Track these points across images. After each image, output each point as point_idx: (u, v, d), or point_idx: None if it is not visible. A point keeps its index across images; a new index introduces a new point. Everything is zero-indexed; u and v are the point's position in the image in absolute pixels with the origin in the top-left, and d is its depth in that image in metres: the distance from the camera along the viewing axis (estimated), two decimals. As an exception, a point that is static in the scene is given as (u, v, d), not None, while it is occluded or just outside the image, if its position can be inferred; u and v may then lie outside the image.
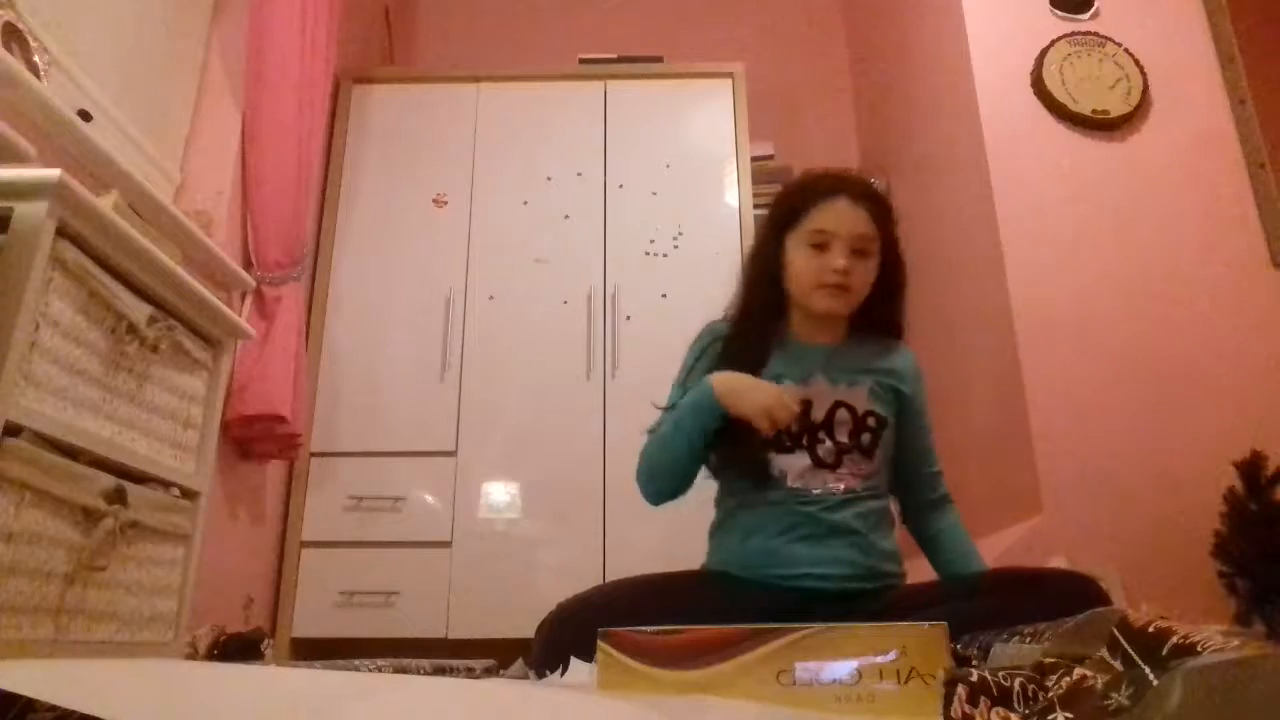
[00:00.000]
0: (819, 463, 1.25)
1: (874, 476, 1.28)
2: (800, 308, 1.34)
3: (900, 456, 1.35)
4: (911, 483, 1.37)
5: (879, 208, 1.31)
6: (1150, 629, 0.53)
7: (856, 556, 1.22)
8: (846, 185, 1.31)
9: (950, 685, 0.55)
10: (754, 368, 1.29)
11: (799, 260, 1.31)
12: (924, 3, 2.67)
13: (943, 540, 1.34)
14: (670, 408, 1.32)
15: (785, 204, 1.35)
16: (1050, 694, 0.51)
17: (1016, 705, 0.53)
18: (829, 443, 1.26)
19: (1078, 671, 0.52)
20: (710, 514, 1.38)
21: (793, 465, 1.26)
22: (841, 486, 1.25)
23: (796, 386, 1.28)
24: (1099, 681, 0.49)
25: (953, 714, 0.54)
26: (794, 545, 1.22)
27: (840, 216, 1.29)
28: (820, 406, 1.28)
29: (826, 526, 1.23)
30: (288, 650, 2.29)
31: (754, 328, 1.34)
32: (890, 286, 1.36)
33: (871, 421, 1.28)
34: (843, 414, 1.28)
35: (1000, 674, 0.56)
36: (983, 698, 0.54)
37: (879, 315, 1.38)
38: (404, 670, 1.32)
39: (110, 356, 1.29)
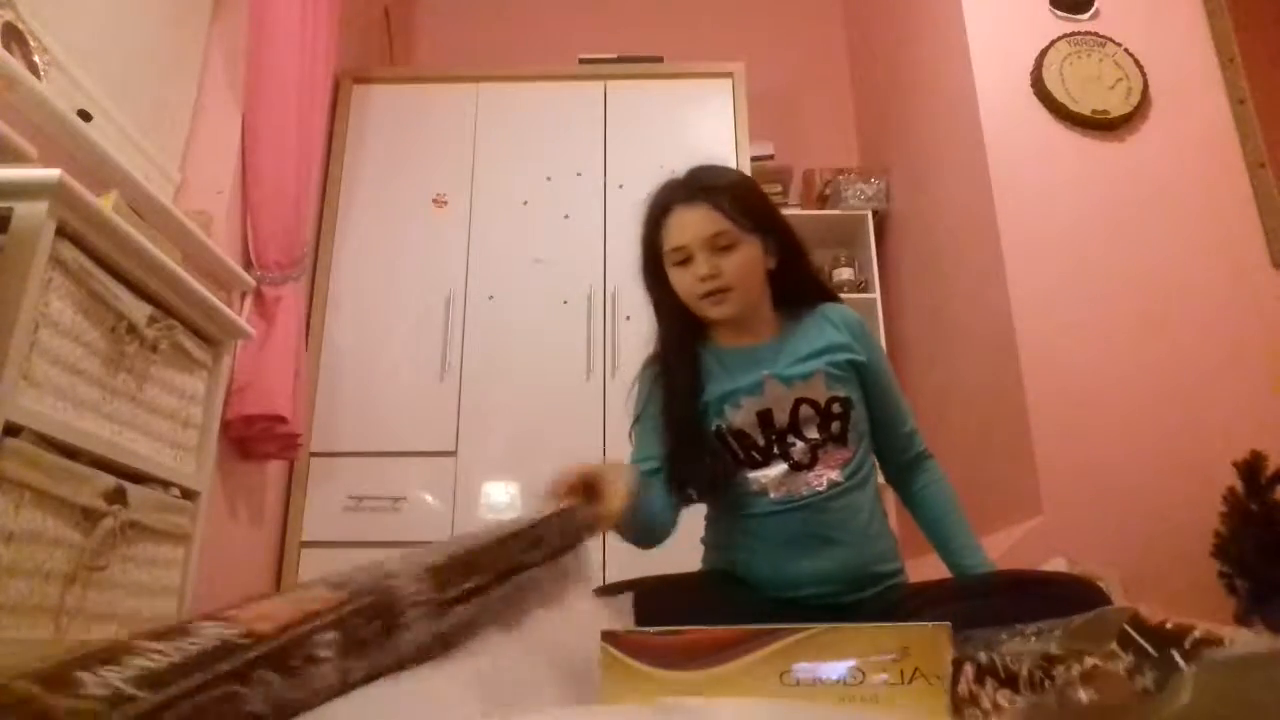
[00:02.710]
0: (796, 465, 1.23)
1: (853, 460, 1.24)
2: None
3: (873, 422, 1.31)
4: (888, 445, 1.34)
5: (721, 195, 1.24)
6: (1168, 624, 0.53)
7: (853, 566, 1.20)
8: (674, 192, 1.28)
9: (957, 665, 0.55)
10: (692, 389, 1.26)
11: (674, 281, 1.27)
12: (924, 3, 2.67)
13: (920, 500, 1.32)
14: (639, 459, 1.30)
15: (643, 240, 1.31)
16: (1064, 677, 0.51)
17: (1023, 689, 0.53)
18: (800, 443, 1.23)
19: (1089, 660, 0.52)
20: (700, 518, 1.37)
21: (771, 476, 1.23)
22: (824, 481, 1.22)
23: (752, 399, 1.24)
24: (1120, 666, 0.49)
25: (959, 693, 0.53)
26: (789, 563, 1.20)
27: (682, 226, 1.24)
28: (781, 411, 1.24)
29: (819, 538, 1.20)
30: (287, 651, 2.29)
31: (676, 354, 1.30)
32: (788, 257, 1.30)
33: (837, 408, 1.24)
34: (806, 410, 1.23)
35: (1009, 658, 0.55)
36: (990, 679, 0.53)
37: (797, 288, 1.33)
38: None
39: (110, 356, 1.29)
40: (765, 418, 1.24)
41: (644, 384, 1.34)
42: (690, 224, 1.23)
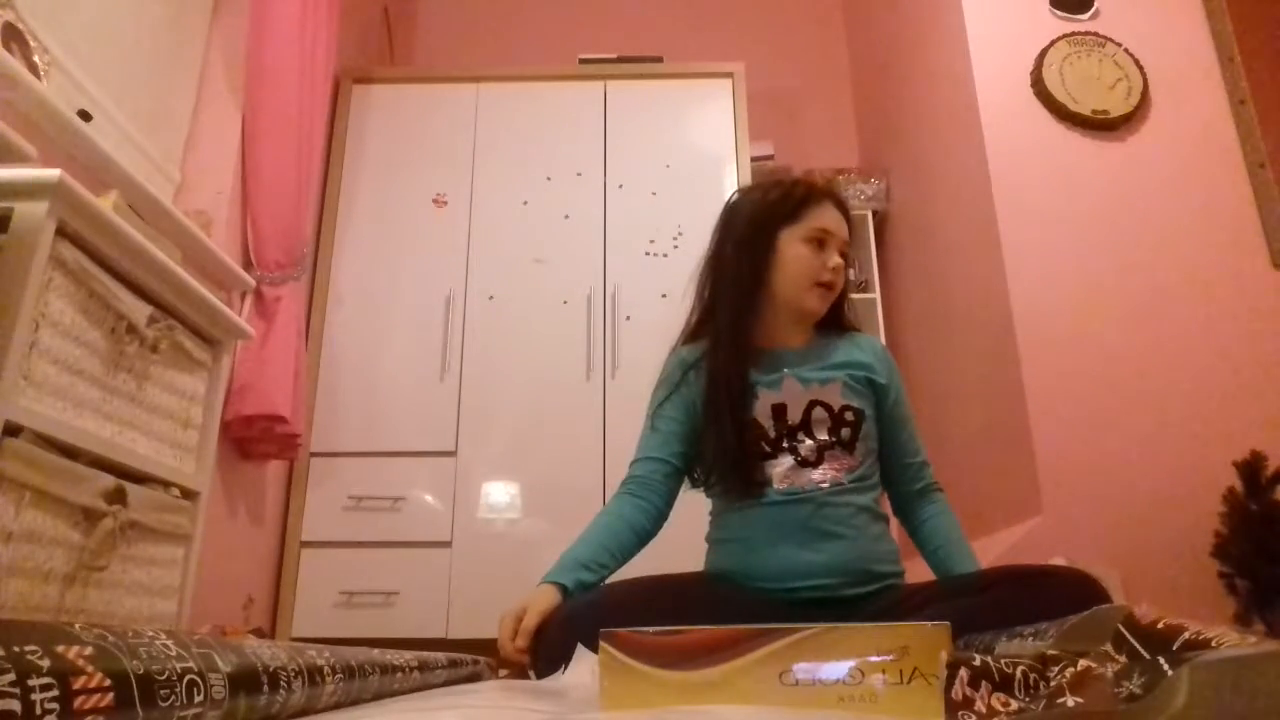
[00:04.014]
0: (802, 462, 1.26)
1: (858, 469, 1.28)
2: (783, 306, 1.34)
3: (883, 449, 1.35)
4: (897, 475, 1.36)
5: (849, 219, 1.40)
6: (1159, 625, 0.53)
7: (852, 561, 1.22)
8: (833, 193, 1.39)
9: (953, 668, 0.55)
10: (742, 384, 1.28)
11: (797, 255, 1.32)
12: (924, 3, 2.67)
13: (927, 531, 1.33)
14: (640, 460, 1.33)
15: (785, 200, 1.35)
16: (1054, 682, 0.51)
17: (1017, 692, 0.53)
18: (809, 441, 1.27)
19: (1082, 663, 0.52)
20: (705, 517, 1.38)
21: (777, 468, 1.26)
22: (827, 482, 1.25)
23: (769, 392, 1.29)
24: (1109, 670, 0.49)
25: (954, 696, 0.54)
26: (790, 555, 1.22)
27: (836, 219, 1.35)
28: (796, 408, 1.28)
29: (819, 531, 1.22)
30: (287, 650, 2.29)
31: (737, 337, 1.32)
32: (844, 287, 1.42)
33: (849, 416, 1.29)
34: (819, 412, 1.28)
35: (1003, 661, 0.56)
36: (984, 682, 0.54)
37: (834, 315, 1.41)
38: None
39: (110, 356, 1.29)
40: (779, 411, 1.28)
41: (673, 371, 1.37)
42: (839, 223, 1.36)
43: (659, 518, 1.31)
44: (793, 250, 1.32)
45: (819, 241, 1.32)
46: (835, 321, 1.41)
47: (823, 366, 1.32)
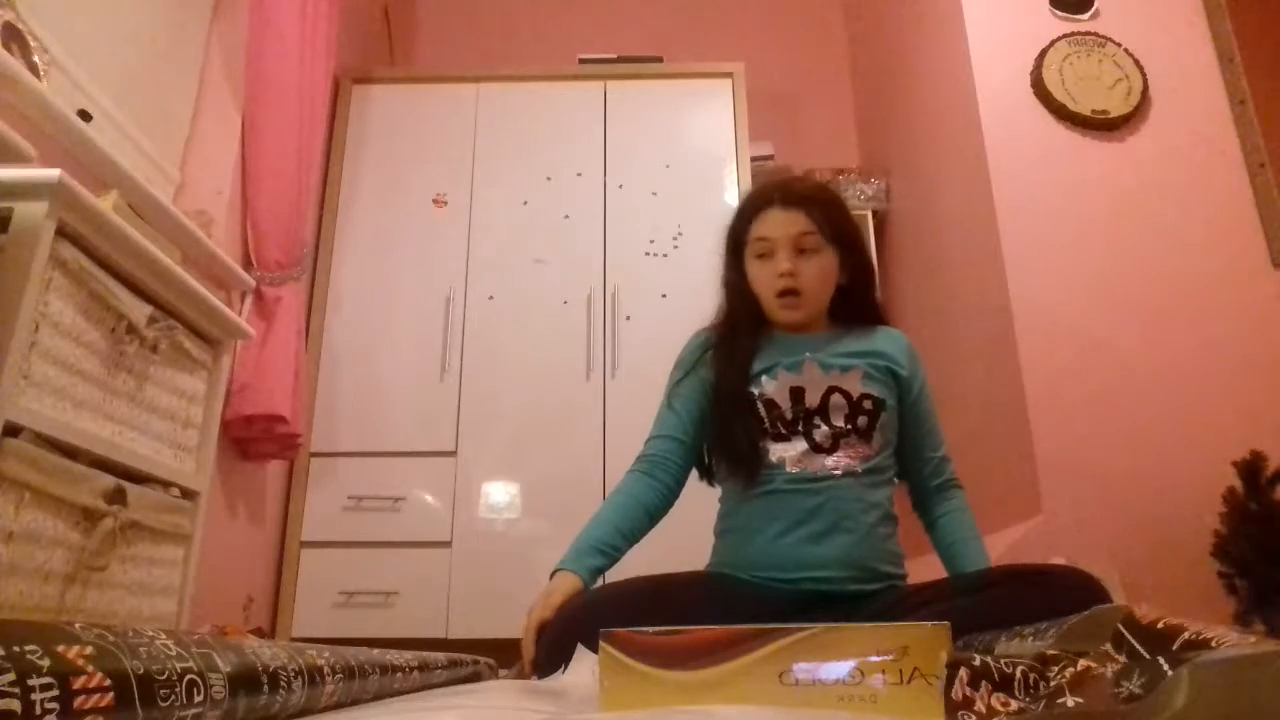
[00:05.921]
0: (816, 447, 1.26)
1: (873, 459, 1.27)
2: (772, 320, 1.37)
3: (903, 442, 1.35)
4: (916, 469, 1.37)
5: (815, 205, 1.33)
6: (1159, 625, 0.53)
7: (857, 556, 1.22)
8: (776, 193, 1.35)
9: (953, 668, 0.55)
10: (745, 365, 1.31)
11: (754, 275, 1.35)
12: (924, 3, 2.67)
13: (942, 526, 1.34)
14: (655, 438, 1.35)
15: (731, 229, 1.40)
16: (1054, 682, 0.51)
17: (1017, 692, 0.53)
18: (825, 427, 1.27)
19: (1082, 663, 0.52)
20: (708, 516, 1.38)
21: (790, 452, 1.26)
22: (840, 469, 1.25)
23: (789, 374, 1.30)
24: (1108, 670, 0.49)
25: (954, 696, 0.54)
26: (795, 547, 1.22)
27: (775, 222, 1.33)
28: (814, 392, 1.29)
29: (827, 521, 1.22)
30: (287, 650, 2.29)
31: (742, 330, 1.36)
32: (859, 277, 1.38)
33: (868, 404, 1.28)
34: (837, 399, 1.28)
35: (1002, 661, 0.56)
36: (984, 682, 0.54)
37: (857, 308, 1.40)
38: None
39: (110, 356, 1.29)
40: (797, 394, 1.29)
41: (691, 353, 1.40)
42: (782, 222, 1.32)
43: (670, 496, 1.32)
44: (750, 270, 1.36)
45: (765, 253, 1.33)
46: (864, 313, 1.41)
47: (844, 354, 1.33)
